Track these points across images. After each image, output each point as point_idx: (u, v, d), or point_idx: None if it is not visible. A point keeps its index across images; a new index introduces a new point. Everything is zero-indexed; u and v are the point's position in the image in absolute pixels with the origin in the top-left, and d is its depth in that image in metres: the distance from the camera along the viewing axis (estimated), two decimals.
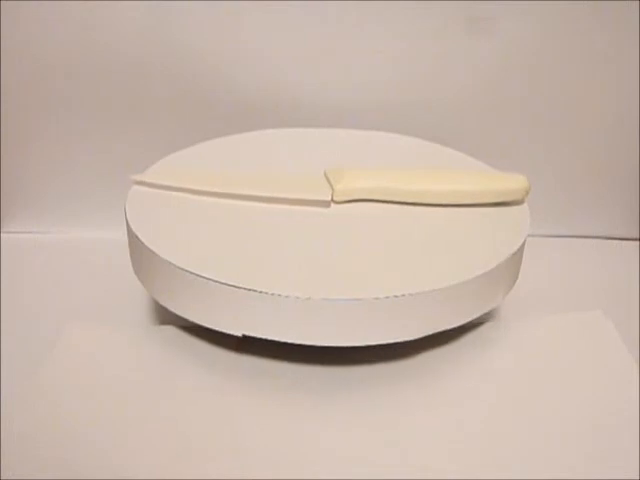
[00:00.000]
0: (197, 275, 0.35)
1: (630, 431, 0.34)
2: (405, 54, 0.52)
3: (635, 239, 0.57)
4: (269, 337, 0.35)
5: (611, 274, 0.52)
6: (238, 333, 0.36)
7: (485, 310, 0.38)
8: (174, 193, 0.42)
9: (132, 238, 0.39)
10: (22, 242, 0.55)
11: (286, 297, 0.34)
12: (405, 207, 0.42)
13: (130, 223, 0.39)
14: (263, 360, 0.38)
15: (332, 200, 0.42)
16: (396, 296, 0.34)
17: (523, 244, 0.40)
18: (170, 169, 0.45)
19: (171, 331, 0.40)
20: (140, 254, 0.38)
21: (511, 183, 0.43)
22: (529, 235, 0.41)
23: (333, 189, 0.42)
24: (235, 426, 0.34)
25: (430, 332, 0.36)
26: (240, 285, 0.34)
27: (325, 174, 0.44)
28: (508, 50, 0.52)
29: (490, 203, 0.43)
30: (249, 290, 0.34)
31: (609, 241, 0.57)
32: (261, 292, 0.34)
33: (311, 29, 0.51)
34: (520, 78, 0.53)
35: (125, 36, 0.51)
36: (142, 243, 0.38)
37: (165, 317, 0.43)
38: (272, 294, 0.34)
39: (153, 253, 0.37)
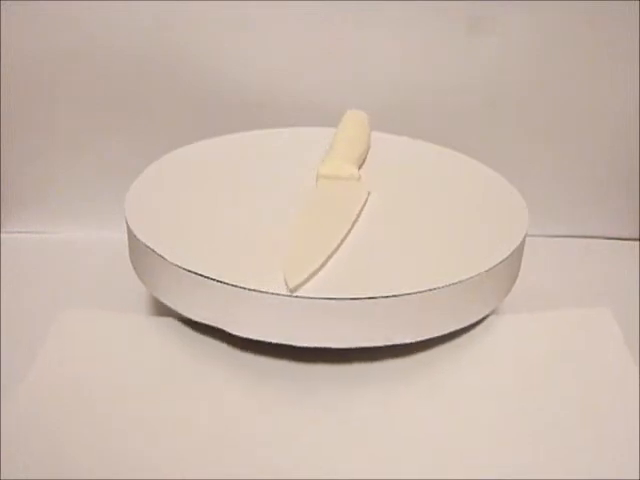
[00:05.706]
0: (197, 274, 0.35)
1: (630, 431, 0.34)
2: (406, 54, 0.52)
3: (635, 239, 0.57)
4: (265, 339, 0.35)
5: (611, 274, 0.52)
6: (240, 333, 0.36)
7: (484, 311, 0.38)
8: (174, 192, 0.42)
9: (132, 238, 0.39)
10: (22, 242, 0.55)
11: (285, 297, 0.34)
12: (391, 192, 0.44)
13: (130, 223, 0.39)
14: (262, 354, 0.38)
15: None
16: (395, 296, 0.34)
17: (522, 244, 0.40)
18: None
19: (169, 322, 0.40)
20: (140, 254, 0.38)
21: (362, 118, 0.49)
22: (529, 235, 0.41)
23: (358, 177, 0.43)
24: (234, 422, 0.34)
25: (428, 336, 0.36)
26: (241, 285, 0.34)
27: (323, 175, 0.43)
28: (508, 50, 0.52)
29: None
30: (248, 290, 0.34)
31: (609, 241, 0.57)
32: (261, 292, 0.34)
33: (311, 29, 0.51)
34: (520, 78, 0.53)
35: (125, 36, 0.51)
36: (142, 243, 0.38)
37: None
38: (269, 293, 0.34)
39: (153, 252, 0.37)
